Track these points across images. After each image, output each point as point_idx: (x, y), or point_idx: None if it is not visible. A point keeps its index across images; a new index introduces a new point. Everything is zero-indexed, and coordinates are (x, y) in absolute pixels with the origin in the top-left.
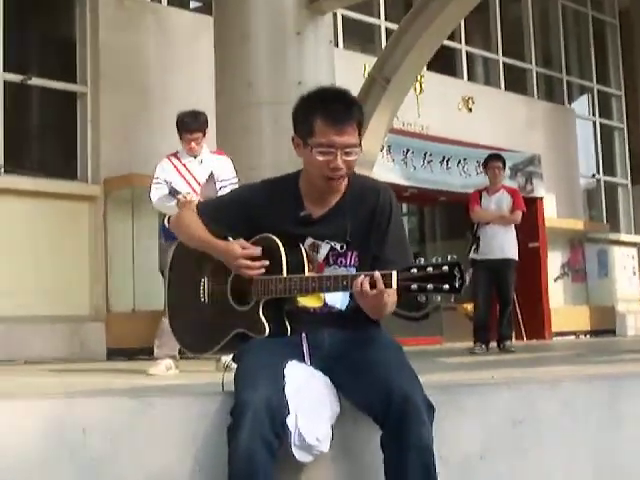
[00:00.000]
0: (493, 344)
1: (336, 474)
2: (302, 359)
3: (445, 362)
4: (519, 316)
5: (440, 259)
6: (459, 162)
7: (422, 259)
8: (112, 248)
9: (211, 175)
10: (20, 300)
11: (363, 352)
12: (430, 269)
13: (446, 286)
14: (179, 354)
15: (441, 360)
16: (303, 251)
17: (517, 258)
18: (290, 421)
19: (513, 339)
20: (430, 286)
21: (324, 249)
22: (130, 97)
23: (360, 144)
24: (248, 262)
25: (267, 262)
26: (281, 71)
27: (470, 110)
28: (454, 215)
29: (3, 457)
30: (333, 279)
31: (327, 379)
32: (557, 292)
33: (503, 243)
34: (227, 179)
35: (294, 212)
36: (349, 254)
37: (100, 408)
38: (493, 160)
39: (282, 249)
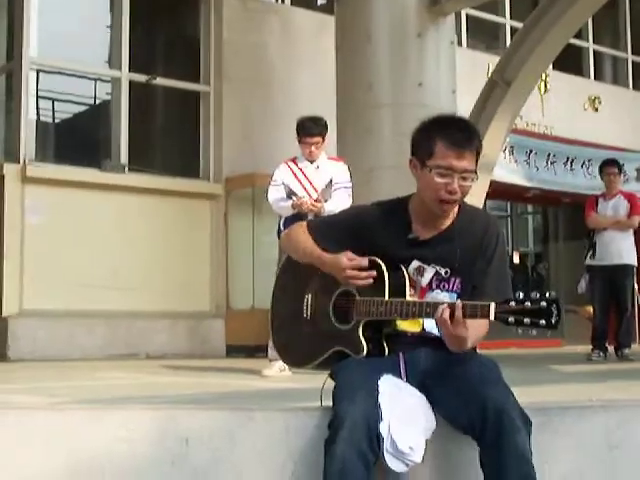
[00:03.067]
0: (613, 350)
1: None
2: (399, 376)
3: (559, 371)
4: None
5: (538, 294)
6: (583, 163)
7: (521, 293)
8: (233, 246)
9: (329, 182)
10: (144, 296)
11: (458, 369)
12: (528, 304)
13: (542, 322)
14: None
15: (555, 368)
16: (406, 275)
17: (636, 264)
18: (383, 428)
19: (633, 346)
20: (527, 320)
21: (429, 273)
22: (252, 97)
23: (476, 172)
24: (355, 272)
25: (374, 272)
26: (401, 72)
27: (596, 110)
28: (578, 216)
29: (110, 463)
30: (428, 305)
31: (422, 396)
32: None
33: (620, 249)
34: (341, 182)
35: (402, 235)
36: (453, 280)
37: (203, 419)
38: (608, 166)
39: (386, 272)
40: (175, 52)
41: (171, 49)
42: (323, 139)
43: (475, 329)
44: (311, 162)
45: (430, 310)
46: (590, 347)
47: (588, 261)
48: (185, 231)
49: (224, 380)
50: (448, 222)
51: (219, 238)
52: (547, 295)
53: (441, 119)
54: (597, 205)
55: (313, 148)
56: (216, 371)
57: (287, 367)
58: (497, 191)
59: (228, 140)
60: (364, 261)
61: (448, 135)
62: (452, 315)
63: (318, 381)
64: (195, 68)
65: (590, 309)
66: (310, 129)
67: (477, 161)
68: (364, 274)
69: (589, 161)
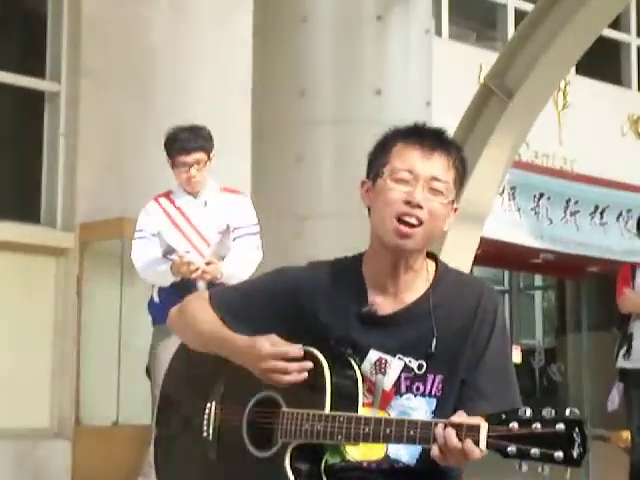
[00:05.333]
0: None
1: None
2: None
3: None
4: None
5: (553, 412)
6: (620, 215)
7: (527, 410)
8: (88, 327)
9: (227, 228)
10: None
11: None
12: (537, 426)
13: (559, 454)
14: None
15: None
16: (358, 373)
17: None
18: None
19: None
20: (535, 451)
21: (395, 369)
22: (124, 102)
23: (454, 200)
24: (281, 363)
25: (310, 364)
26: (351, 73)
27: None
28: (610, 293)
29: None
30: (395, 425)
31: None
32: None
33: None
34: (243, 226)
35: (353, 307)
36: (430, 378)
37: None
38: None
39: (327, 371)
40: (9, 33)
41: (1, 28)
42: (209, 157)
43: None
44: (194, 196)
45: (398, 432)
46: None
47: (621, 362)
48: (14, 302)
49: None
50: (420, 289)
51: (68, 314)
52: (567, 414)
53: (406, 125)
54: (634, 278)
55: (193, 171)
56: None
57: None
58: (490, 254)
59: (86, 167)
60: (294, 348)
61: (412, 134)
62: (460, 437)
63: None
64: (39, 57)
65: (627, 435)
66: (185, 142)
67: (459, 185)
68: (294, 366)
69: (628, 212)
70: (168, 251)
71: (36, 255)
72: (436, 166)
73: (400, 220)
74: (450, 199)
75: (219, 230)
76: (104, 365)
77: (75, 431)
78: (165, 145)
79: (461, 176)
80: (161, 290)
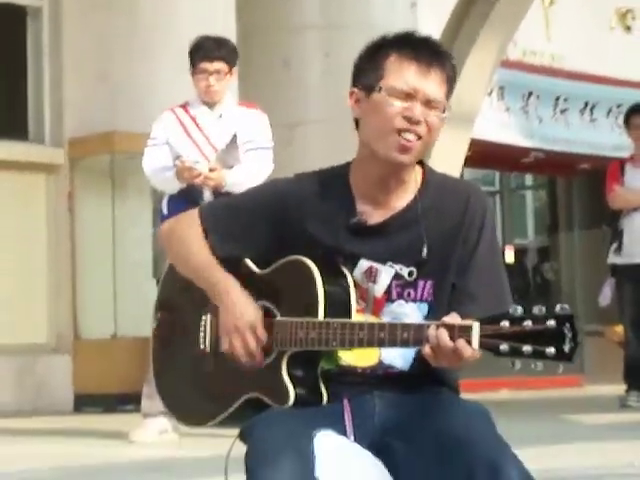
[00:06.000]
0: None
1: None
2: (343, 433)
3: (581, 423)
4: None
5: (544, 309)
6: (610, 110)
7: (518, 307)
8: (82, 243)
9: (234, 138)
10: None
11: (433, 419)
12: (528, 323)
13: (551, 350)
14: None
15: (574, 419)
16: (350, 281)
17: None
18: None
19: None
20: (527, 348)
21: (385, 276)
22: (111, 15)
23: (445, 110)
24: (248, 340)
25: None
26: None
27: (628, 29)
28: (602, 190)
29: None
30: (389, 329)
31: (379, 463)
32: None
33: None
34: (257, 140)
35: (342, 218)
36: (421, 284)
37: None
38: (636, 115)
39: (319, 280)
40: None
41: None
42: (230, 70)
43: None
44: (210, 107)
45: (391, 335)
46: (624, 386)
47: (612, 258)
48: (6, 221)
49: (71, 448)
50: (408, 196)
51: (60, 232)
52: (557, 310)
53: (396, 34)
54: (624, 174)
55: (212, 80)
56: (59, 435)
57: (171, 427)
58: (480, 155)
59: (73, 81)
60: (259, 356)
61: (406, 46)
62: (452, 338)
63: (215, 446)
64: None
65: (620, 329)
66: (209, 50)
67: (450, 90)
68: (260, 355)
69: (618, 107)
70: (175, 158)
71: (26, 173)
72: (433, 83)
73: (399, 133)
74: (445, 114)
75: (228, 140)
76: (99, 280)
77: (74, 345)
78: (189, 53)
79: (452, 86)
80: (170, 201)
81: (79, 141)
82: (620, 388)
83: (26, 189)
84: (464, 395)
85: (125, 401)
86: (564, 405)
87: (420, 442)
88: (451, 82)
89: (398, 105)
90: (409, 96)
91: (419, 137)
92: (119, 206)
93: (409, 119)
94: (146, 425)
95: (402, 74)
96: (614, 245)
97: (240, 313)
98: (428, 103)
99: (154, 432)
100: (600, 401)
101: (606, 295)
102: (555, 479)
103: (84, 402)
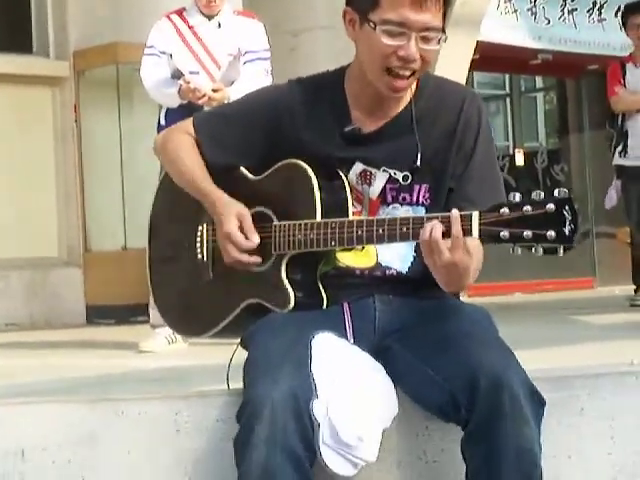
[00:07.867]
0: None
1: None
2: (343, 335)
3: (590, 324)
4: None
5: (542, 194)
6: (618, 9)
7: (517, 194)
8: (90, 156)
9: (238, 52)
10: None
11: (434, 324)
12: (528, 208)
13: (551, 233)
14: None
15: (583, 320)
16: (346, 184)
17: None
18: (318, 410)
19: None
20: (528, 233)
21: (380, 180)
22: None
23: (444, 30)
24: (240, 240)
25: (258, 259)
26: None
27: None
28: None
29: None
30: (387, 224)
31: (378, 365)
32: None
33: None
34: (254, 51)
35: (337, 126)
36: (417, 188)
37: (48, 420)
38: (633, 13)
39: (314, 181)
40: None
41: None
42: None
43: (477, 254)
44: (209, 18)
45: (390, 230)
46: (633, 287)
47: (618, 160)
48: (13, 135)
49: (83, 360)
50: (403, 104)
51: (67, 145)
52: (555, 194)
53: None
54: (625, 75)
55: None
56: (71, 347)
57: (179, 336)
58: (488, 58)
59: None
60: (249, 243)
61: None
62: (445, 234)
63: (224, 354)
64: None
65: (629, 231)
66: None
67: (445, 14)
68: (246, 259)
69: None
70: (176, 75)
71: (31, 86)
72: (428, 14)
73: (392, 72)
74: (442, 36)
75: (230, 52)
76: (108, 192)
77: (85, 258)
78: None
79: (447, 8)
80: (168, 112)
81: (84, 53)
82: (632, 288)
83: (32, 102)
84: (479, 299)
85: (137, 312)
86: (575, 307)
87: (421, 346)
88: (446, 6)
89: (390, 43)
90: (403, 32)
91: (413, 72)
92: (125, 117)
93: (404, 59)
94: (155, 335)
95: (396, 9)
96: (619, 147)
97: (221, 223)
98: (424, 38)
99: (163, 342)
100: (611, 302)
101: (612, 197)
102: (551, 379)
103: (96, 314)
